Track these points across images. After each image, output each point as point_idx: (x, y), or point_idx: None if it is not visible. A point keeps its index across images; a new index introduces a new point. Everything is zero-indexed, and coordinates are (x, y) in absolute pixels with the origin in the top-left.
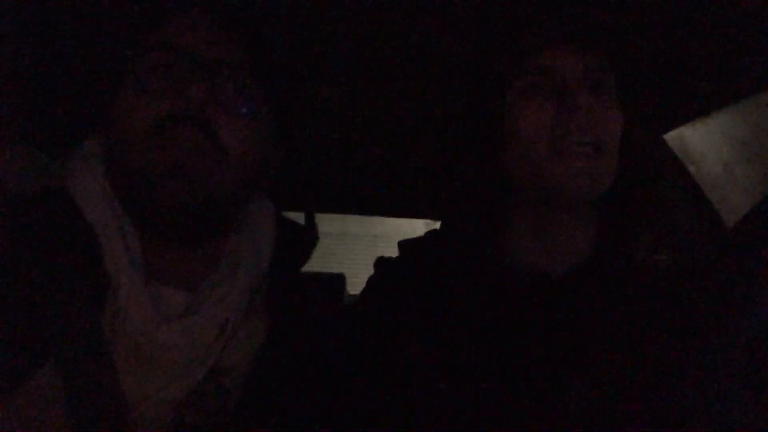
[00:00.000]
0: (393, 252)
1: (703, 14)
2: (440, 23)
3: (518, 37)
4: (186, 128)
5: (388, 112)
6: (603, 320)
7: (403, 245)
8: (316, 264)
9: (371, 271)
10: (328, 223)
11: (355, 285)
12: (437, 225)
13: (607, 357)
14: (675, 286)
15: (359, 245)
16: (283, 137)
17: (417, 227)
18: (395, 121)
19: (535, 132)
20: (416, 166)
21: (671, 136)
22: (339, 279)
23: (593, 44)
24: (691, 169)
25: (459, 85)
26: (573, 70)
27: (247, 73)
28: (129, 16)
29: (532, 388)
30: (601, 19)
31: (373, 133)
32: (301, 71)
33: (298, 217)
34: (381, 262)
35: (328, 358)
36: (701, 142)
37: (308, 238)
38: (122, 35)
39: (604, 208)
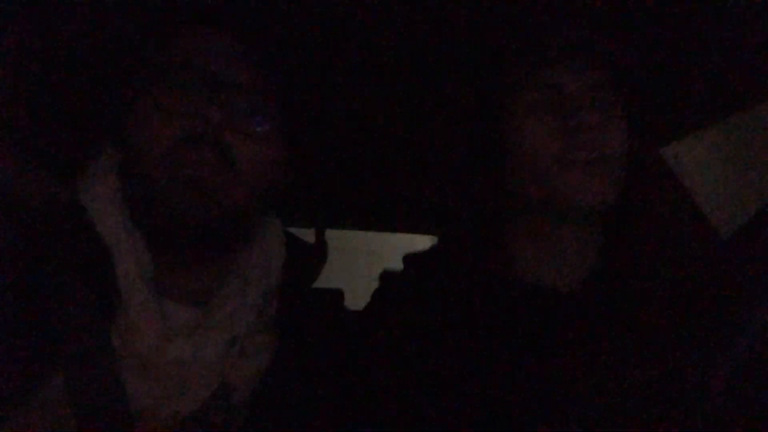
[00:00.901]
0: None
1: (704, 32)
2: (449, 39)
3: (524, 52)
4: (203, 149)
5: (396, 128)
6: (609, 334)
7: (408, 259)
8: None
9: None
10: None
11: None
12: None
13: (613, 371)
14: (676, 299)
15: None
16: (294, 155)
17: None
18: (402, 137)
19: (541, 147)
20: (424, 182)
21: (665, 152)
22: (337, 295)
23: (599, 62)
24: (686, 182)
25: (467, 103)
26: (579, 87)
27: (262, 94)
28: (141, 30)
29: (539, 401)
30: (607, 37)
31: (381, 149)
32: (314, 90)
33: (305, 234)
34: (386, 276)
35: (334, 374)
36: (693, 156)
37: (317, 256)
38: (135, 49)
39: (608, 222)
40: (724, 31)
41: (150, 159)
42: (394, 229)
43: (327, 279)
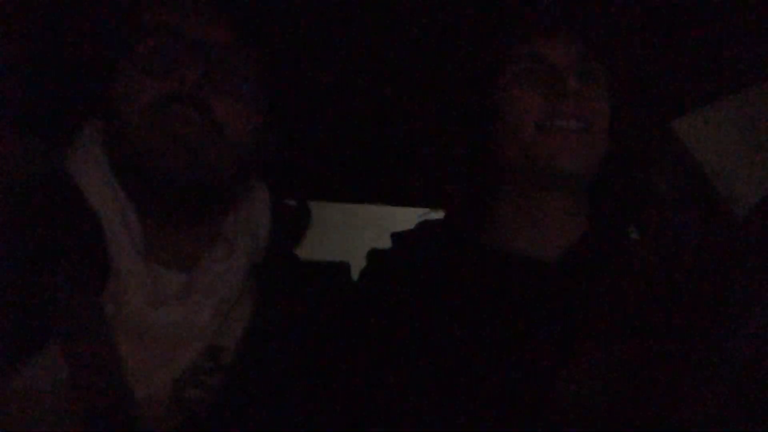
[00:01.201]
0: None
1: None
2: (437, 10)
3: (510, 24)
4: (183, 107)
5: (382, 98)
6: (594, 305)
7: (396, 237)
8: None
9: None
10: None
11: None
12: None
13: (598, 342)
14: (669, 273)
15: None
16: (278, 120)
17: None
18: (389, 107)
19: (525, 114)
20: (412, 154)
21: (678, 125)
22: (344, 267)
23: (584, 33)
24: (697, 156)
25: (455, 71)
26: (563, 58)
27: (242, 54)
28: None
29: (525, 373)
30: (593, 8)
31: (367, 119)
32: (296, 54)
33: None
34: (374, 254)
35: (319, 342)
36: (704, 130)
37: (302, 219)
38: (115, 17)
39: (593, 194)
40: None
41: (131, 118)
42: (382, 202)
43: (334, 252)
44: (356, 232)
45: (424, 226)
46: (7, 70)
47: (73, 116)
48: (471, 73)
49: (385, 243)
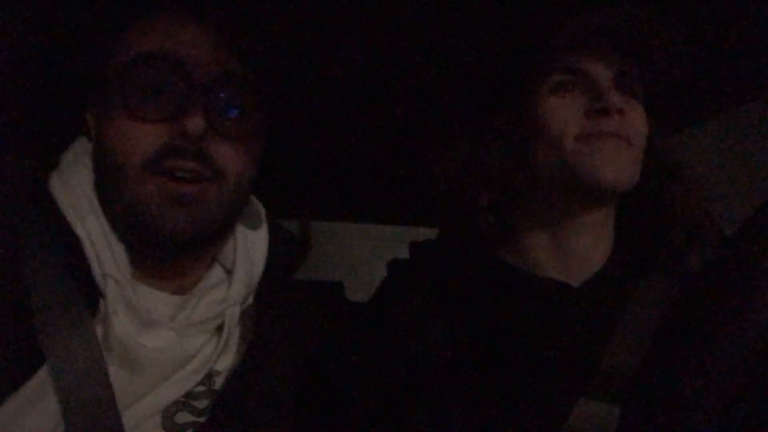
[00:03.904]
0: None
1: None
2: (459, 20)
3: (549, 36)
4: (186, 160)
5: (390, 112)
6: (617, 329)
7: (415, 247)
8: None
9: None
10: None
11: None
12: None
13: (618, 365)
14: (684, 297)
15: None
16: (279, 143)
17: None
18: (397, 122)
19: (565, 126)
20: (416, 172)
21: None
22: (337, 287)
23: (625, 49)
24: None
25: (467, 84)
26: (605, 73)
27: (242, 85)
28: (110, 16)
29: (546, 396)
30: (636, 24)
31: (374, 136)
32: (295, 75)
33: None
34: (394, 265)
35: (314, 363)
36: (695, 149)
37: (301, 245)
38: (103, 37)
39: (622, 214)
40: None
41: (128, 173)
42: (388, 221)
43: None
44: (343, 249)
45: (444, 238)
46: None
47: (59, 135)
48: (506, 83)
49: (374, 260)
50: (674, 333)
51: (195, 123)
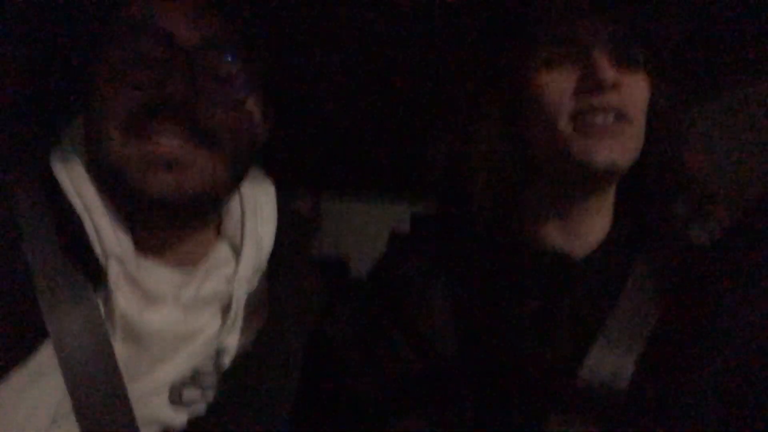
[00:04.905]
0: None
1: None
2: None
3: (542, 6)
4: (165, 121)
5: (392, 87)
6: (619, 302)
7: (417, 219)
8: None
9: None
10: None
11: None
12: None
13: (620, 337)
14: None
15: None
16: (273, 110)
17: None
18: (400, 96)
19: (558, 105)
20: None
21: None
22: (343, 263)
23: (620, 15)
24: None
25: (471, 54)
26: (598, 41)
27: (229, 51)
28: None
29: (547, 368)
30: None
31: (378, 110)
32: (291, 41)
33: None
34: (395, 237)
35: (322, 341)
36: (700, 127)
37: (310, 224)
38: (87, 9)
39: (624, 183)
40: None
41: (109, 132)
42: (394, 199)
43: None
44: (351, 227)
45: (446, 211)
46: None
47: (58, 114)
48: (500, 56)
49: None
50: (677, 313)
51: (176, 85)
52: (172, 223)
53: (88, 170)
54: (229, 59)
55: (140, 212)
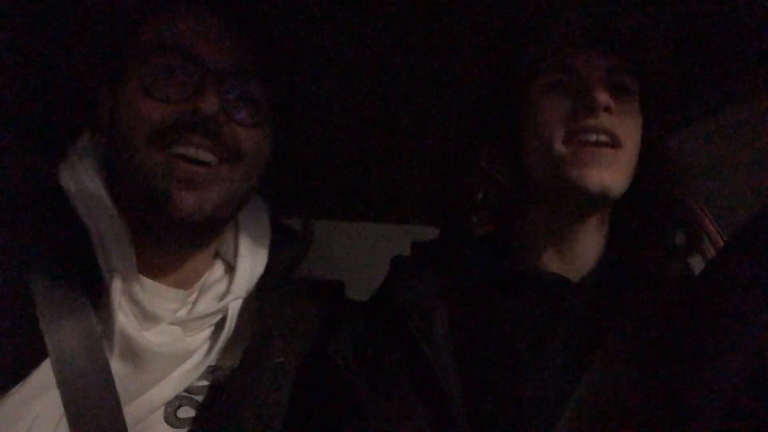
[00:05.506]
0: None
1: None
2: (454, 23)
3: (541, 36)
4: (195, 135)
5: (392, 113)
6: (614, 325)
7: (416, 245)
8: None
9: None
10: None
11: None
12: None
13: (615, 361)
14: (681, 295)
15: None
16: (285, 140)
17: None
18: (399, 122)
19: (552, 128)
20: (421, 170)
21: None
22: (338, 286)
23: (618, 46)
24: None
25: (467, 84)
26: (594, 70)
27: (254, 79)
28: (128, 9)
29: (544, 390)
30: (628, 21)
31: (377, 135)
32: (305, 73)
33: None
34: (397, 260)
35: (333, 353)
36: (688, 151)
37: (303, 243)
38: (122, 29)
39: (616, 213)
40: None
41: (137, 142)
42: (390, 221)
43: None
44: (344, 248)
45: (444, 237)
46: (5, 81)
47: (67, 128)
48: (499, 83)
49: (375, 260)
50: (671, 338)
51: (208, 102)
52: (182, 242)
53: (104, 184)
54: (253, 84)
55: (156, 228)
